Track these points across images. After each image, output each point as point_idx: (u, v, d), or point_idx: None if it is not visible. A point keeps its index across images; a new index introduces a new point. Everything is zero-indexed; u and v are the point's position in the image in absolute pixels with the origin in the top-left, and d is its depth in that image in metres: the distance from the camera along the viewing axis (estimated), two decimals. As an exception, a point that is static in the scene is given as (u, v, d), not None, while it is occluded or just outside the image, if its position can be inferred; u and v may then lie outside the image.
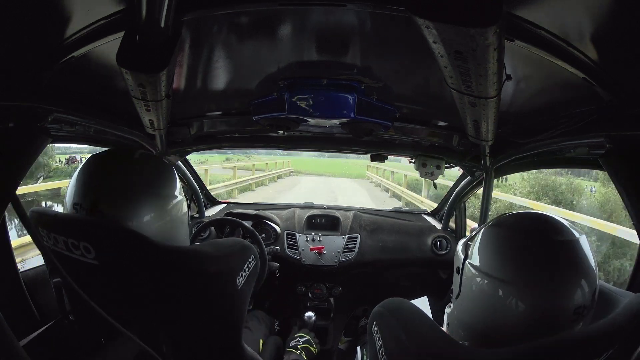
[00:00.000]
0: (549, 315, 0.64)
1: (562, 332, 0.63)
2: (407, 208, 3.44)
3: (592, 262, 0.68)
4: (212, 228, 2.04)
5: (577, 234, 0.70)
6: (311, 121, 1.35)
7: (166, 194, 0.84)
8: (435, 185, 2.04)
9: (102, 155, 0.90)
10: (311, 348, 1.46)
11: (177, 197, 0.87)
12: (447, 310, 0.86)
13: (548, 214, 0.76)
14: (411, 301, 0.75)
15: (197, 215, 2.34)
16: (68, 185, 0.84)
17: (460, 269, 0.78)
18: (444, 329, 0.86)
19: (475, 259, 0.75)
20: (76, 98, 1.04)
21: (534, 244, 0.68)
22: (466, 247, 0.83)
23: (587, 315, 0.67)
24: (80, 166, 0.84)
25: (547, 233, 0.69)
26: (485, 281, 0.70)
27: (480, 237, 0.77)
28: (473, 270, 0.73)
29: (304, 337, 1.49)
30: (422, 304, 1.61)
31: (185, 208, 0.91)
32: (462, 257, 0.78)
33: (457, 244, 0.89)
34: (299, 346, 1.44)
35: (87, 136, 1.32)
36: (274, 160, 18.44)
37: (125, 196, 0.78)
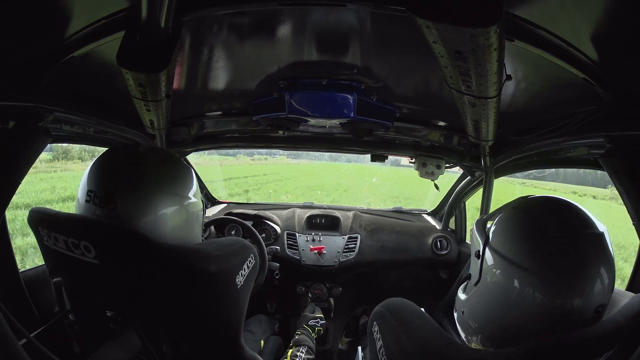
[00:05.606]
0: (570, 312, 0.61)
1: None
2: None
3: (613, 257, 0.66)
4: (212, 227, 2.03)
5: (602, 227, 0.67)
6: (311, 121, 1.36)
7: (182, 194, 0.85)
8: (437, 187, 2.04)
9: (121, 148, 0.90)
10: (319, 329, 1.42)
11: (191, 198, 0.87)
12: (461, 296, 0.82)
13: (574, 203, 0.71)
14: None
15: None
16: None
17: (481, 254, 0.73)
18: (455, 316, 0.83)
19: (498, 244, 0.70)
20: (76, 98, 1.04)
21: (563, 235, 0.65)
22: (484, 227, 0.78)
23: (604, 314, 0.65)
24: (97, 158, 0.84)
25: (576, 224, 0.66)
26: (509, 269, 0.66)
27: (504, 220, 0.73)
28: (496, 256, 0.69)
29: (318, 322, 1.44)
30: None
31: (200, 206, 0.91)
32: (482, 241, 0.74)
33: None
34: (316, 328, 1.41)
35: (87, 136, 1.32)
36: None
37: (140, 189, 0.78)
